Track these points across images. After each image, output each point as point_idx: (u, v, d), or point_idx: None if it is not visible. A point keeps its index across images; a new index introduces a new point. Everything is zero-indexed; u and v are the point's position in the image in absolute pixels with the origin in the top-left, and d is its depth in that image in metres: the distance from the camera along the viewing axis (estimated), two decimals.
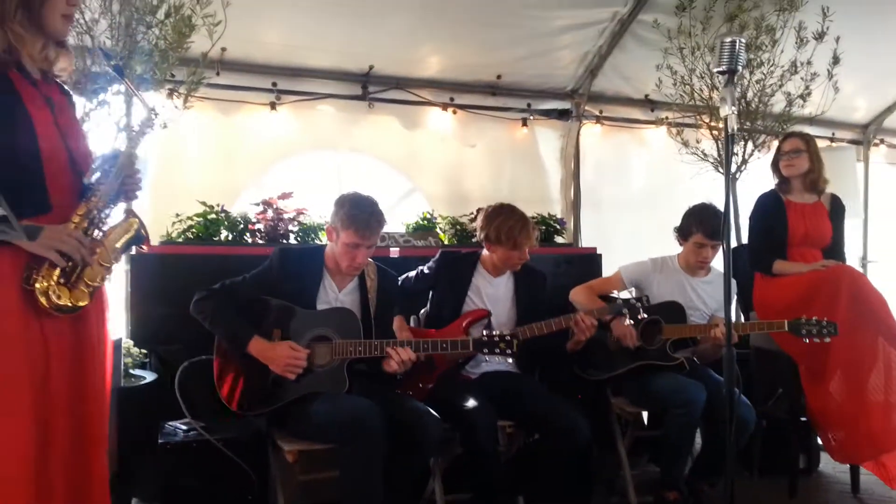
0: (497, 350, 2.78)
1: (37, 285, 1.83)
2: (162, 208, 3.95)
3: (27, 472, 1.77)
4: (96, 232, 1.96)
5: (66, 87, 2.13)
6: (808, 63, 4.47)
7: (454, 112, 4.91)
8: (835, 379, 3.28)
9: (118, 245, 2.03)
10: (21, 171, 1.83)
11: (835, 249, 3.67)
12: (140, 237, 2.08)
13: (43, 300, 1.83)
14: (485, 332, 2.82)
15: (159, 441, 2.82)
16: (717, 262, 3.44)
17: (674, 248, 3.52)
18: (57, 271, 1.85)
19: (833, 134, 6.05)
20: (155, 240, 3.75)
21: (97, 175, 2.01)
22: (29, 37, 1.89)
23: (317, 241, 4.00)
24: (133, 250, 2.21)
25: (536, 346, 3.11)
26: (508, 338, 2.79)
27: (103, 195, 1.96)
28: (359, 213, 2.75)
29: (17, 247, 1.80)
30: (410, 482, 2.80)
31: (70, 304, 1.87)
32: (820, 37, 4.38)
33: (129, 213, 2.09)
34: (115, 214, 2.06)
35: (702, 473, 3.26)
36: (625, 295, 3.14)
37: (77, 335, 1.94)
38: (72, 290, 1.88)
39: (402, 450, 2.59)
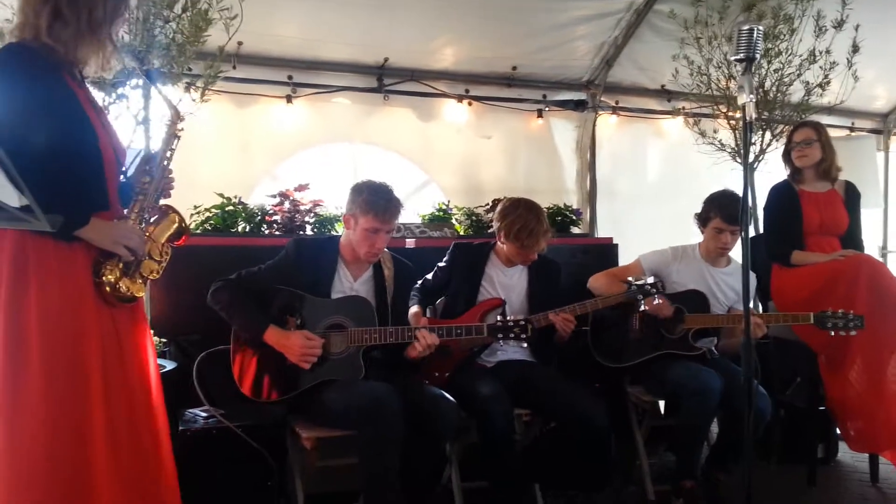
0: (511, 335, 2.78)
1: (104, 278, 1.93)
2: (180, 200, 3.95)
3: (97, 456, 1.83)
4: (149, 227, 2.09)
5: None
6: (827, 52, 4.41)
7: (469, 104, 4.92)
8: (854, 368, 3.25)
9: (163, 240, 2.14)
10: (87, 170, 1.93)
11: (852, 237, 3.64)
12: (181, 231, 2.20)
13: (109, 291, 1.93)
14: (498, 318, 2.83)
15: (179, 428, 2.85)
16: (733, 252, 3.42)
17: (689, 237, 3.51)
18: (121, 265, 1.96)
19: (853, 123, 5.99)
20: None
21: (132, 173, 2.12)
22: (107, 45, 1.99)
23: (333, 232, 4.02)
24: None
25: (553, 335, 3.12)
26: (523, 322, 2.79)
27: (151, 193, 2.08)
28: (377, 198, 2.76)
29: (86, 242, 1.89)
30: (427, 468, 2.81)
31: (132, 295, 2.00)
32: (839, 25, 4.33)
33: (169, 208, 2.19)
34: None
35: (718, 462, 3.24)
36: (640, 281, 3.13)
37: (135, 324, 2.05)
38: (133, 282, 2.00)
39: (419, 435, 2.60)
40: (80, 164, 1.90)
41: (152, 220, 2.12)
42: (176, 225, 2.18)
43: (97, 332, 1.88)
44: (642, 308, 3.16)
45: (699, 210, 3.43)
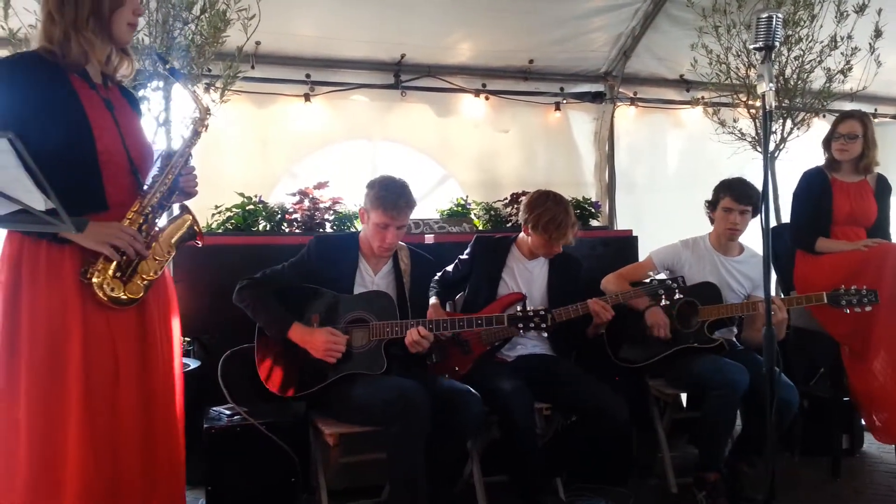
0: (532, 325, 2.78)
1: (93, 279, 1.92)
2: (202, 200, 3.95)
3: (79, 462, 1.85)
4: (154, 227, 2.06)
5: (129, 91, 2.23)
6: (849, 37, 4.35)
7: (486, 98, 4.92)
8: (878, 358, 3.22)
9: (173, 240, 2.12)
10: (79, 171, 1.94)
11: (879, 229, 3.59)
12: (193, 233, 2.18)
13: (100, 294, 1.93)
14: (518, 308, 2.82)
15: (204, 426, 2.90)
16: (752, 243, 3.39)
17: (710, 228, 3.48)
18: (113, 265, 1.95)
19: (875, 110, 5.88)
20: None
21: (154, 173, 2.11)
22: (98, 43, 1.99)
23: (352, 229, 4.05)
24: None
25: (572, 329, 3.12)
26: (543, 312, 2.78)
27: (156, 192, 2.06)
28: (387, 193, 2.81)
29: (77, 244, 1.91)
30: (451, 462, 2.82)
31: (125, 297, 1.97)
32: (861, 9, 4.26)
33: (184, 209, 2.20)
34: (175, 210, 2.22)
35: (742, 454, 3.22)
36: (660, 276, 3.10)
37: (142, 327, 2.04)
38: (126, 284, 1.97)
39: (443, 428, 2.62)
40: (67, 166, 1.89)
41: (164, 219, 2.13)
42: (187, 226, 2.17)
43: (79, 332, 1.89)
44: (663, 303, 3.13)
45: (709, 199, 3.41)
